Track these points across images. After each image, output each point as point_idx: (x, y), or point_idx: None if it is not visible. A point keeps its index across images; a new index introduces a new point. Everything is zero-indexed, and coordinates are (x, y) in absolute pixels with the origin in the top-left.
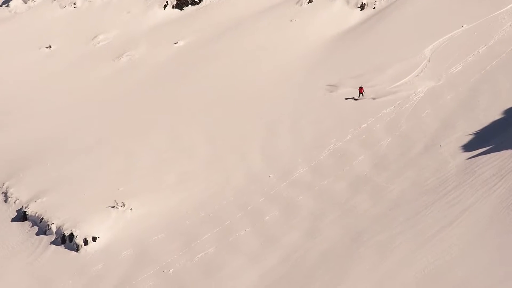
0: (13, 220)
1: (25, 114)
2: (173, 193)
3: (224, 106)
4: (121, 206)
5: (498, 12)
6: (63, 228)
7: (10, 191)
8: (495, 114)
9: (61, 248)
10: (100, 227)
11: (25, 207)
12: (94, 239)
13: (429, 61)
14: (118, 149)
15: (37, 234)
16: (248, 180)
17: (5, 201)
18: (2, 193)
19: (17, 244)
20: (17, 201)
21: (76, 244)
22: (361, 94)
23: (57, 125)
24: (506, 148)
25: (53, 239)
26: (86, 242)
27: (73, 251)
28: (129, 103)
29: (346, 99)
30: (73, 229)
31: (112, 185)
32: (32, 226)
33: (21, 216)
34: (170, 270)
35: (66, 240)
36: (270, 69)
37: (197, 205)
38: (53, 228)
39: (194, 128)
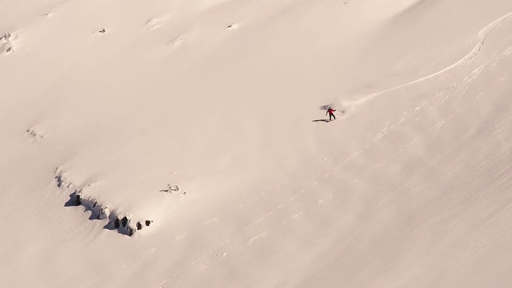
0: (67, 204)
1: (79, 99)
2: (226, 177)
3: (277, 89)
4: (175, 190)
5: None
6: (117, 212)
7: (64, 175)
8: None
9: (114, 232)
10: (154, 211)
11: (79, 192)
12: (147, 223)
13: (482, 43)
14: (172, 133)
15: (91, 218)
16: (301, 163)
17: (59, 185)
18: (56, 177)
19: (70, 228)
20: (70, 186)
21: (129, 228)
22: (332, 116)
23: (111, 109)
24: None
25: (106, 223)
26: (139, 226)
27: (126, 235)
28: (183, 86)
29: (316, 121)
30: (127, 213)
31: (166, 169)
32: (86, 210)
33: (75, 200)
34: (223, 254)
35: (120, 224)
36: (324, 52)
37: (250, 188)
38: (107, 212)
39: (248, 112)
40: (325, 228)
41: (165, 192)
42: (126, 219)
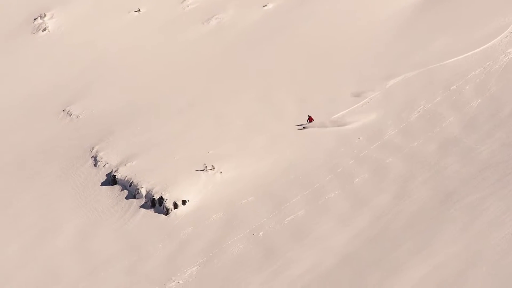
0: (103, 184)
1: (114, 78)
2: (262, 156)
3: (313, 68)
4: (211, 169)
5: None
6: (153, 191)
7: (100, 155)
8: None
9: (150, 212)
10: (190, 191)
11: (115, 171)
12: (183, 202)
13: None
14: (208, 112)
15: (127, 198)
16: (337, 142)
17: (95, 165)
18: (92, 157)
19: (107, 208)
20: (106, 165)
21: (165, 207)
22: (309, 122)
23: (147, 89)
24: None
25: (142, 203)
26: (175, 205)
27: (162, 215)
28: (219, 66)
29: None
30: (163, 193)
31: (202, 148)
32: (122, 190)
33: (111, 180)
34: (260, 233)
35: (156, 204)
36: (359, 32)
37: (286, 167)
38: (143, 191)
39: (284, 90)
40: (361, 207)
41: (201, 171)
42: (163, 199)
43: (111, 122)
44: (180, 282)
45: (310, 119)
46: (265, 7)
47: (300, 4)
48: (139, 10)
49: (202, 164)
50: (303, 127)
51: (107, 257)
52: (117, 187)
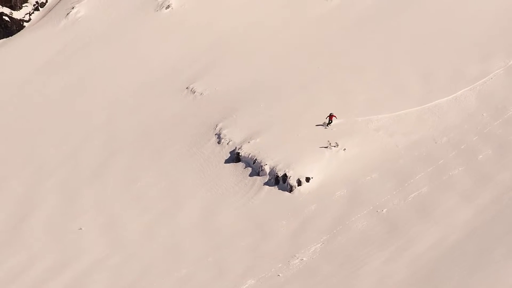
0: (227, 161)
1: (238, 56)
2: (385, 133)
3: (435, 45)
4: (335, 146)
5: None
6: (277, 169)
7: (224, 132)
8: None
9: (274, 189)
10: (313, 168)
11: (239, 149)
12: (307, 179)
13: None
14: (331, 89)
15: (251, 175)
16: (461, 119)
17: (219, 142)
18: (216, 134)
19: (230, 185)
20: (230, 143)
21: (289, 185)
22: (330, 121)
23: (270, 66)
24: None
25: (266, 180)
26: (299, 182)
27: (286, 192)
28: (341, 42)
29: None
30: (287, 170)
31: (325, 124)
32: (246, 167)
33: (235, 157)
34: (384, 210)
35: (280, 181)
36: (479, 13)
37: (410, 144)
38: (267, 169)
39: (407, 67)
40: (485, 184)
41: (325, 148)
42: (286, 176)
43: (235, 99)
44: (304, 259)
45: (331, 117)
46: None
47: None
48: None
49: (325, 141)
50: (327, 125)
51: (231, 234)
52: (240, 165)
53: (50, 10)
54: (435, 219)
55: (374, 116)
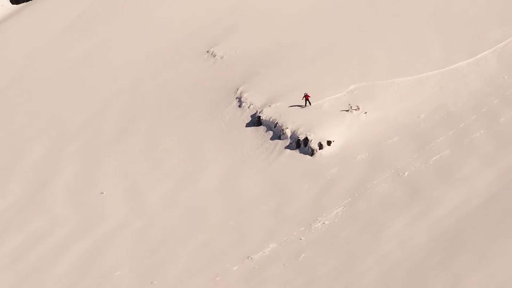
0: (248, 125)
1: (258, 19)
2: (407, 96)
3: (456, 9)
4: (356, 109)
5: None
6: (298, 132)
7: (245, 96)
8: None
9: (295, 152)
10: (335, 131)
11: (260, 112)
12: (328, 143)
13: None
14: (352, 53)
15: (272, 139)
16: (482, 82)
17: (239, 106)
18: (237, 98)
19: (252, 149)
20: (251, 106)
21: (311, 148)
22: (307, 101)
23: (290, 29)
24: None
25: (287, 144)
26: (321, 146)
27: (307, 156)
28: (363, 6)
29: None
30: (308, 133)
31: (346, 89)
32: (267, 131)
33: (256, 121)
34: (405, 173)
35: (301, 145)
36: None
37: (431, 108)
38: (288, 132)
39: (428, 31)
40: (506, 147)
41: (346, 112)
42: (308, 139)
43: (255, 63)
44: (326, 222)
45: (306, 97)
46: None
47: None
48: None
49: (347, 105)
50: (302, 107)
51: (252, 198)
52: (261, 128)
53: None
54: (456, 182)
55: (395, 79)
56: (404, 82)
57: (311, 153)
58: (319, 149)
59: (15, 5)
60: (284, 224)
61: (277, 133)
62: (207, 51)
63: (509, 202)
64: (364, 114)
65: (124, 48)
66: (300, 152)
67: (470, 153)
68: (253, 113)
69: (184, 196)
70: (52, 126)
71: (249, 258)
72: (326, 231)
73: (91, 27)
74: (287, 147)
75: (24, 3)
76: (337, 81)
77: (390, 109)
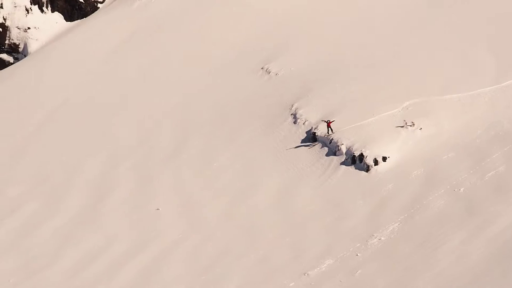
0: (303, 141)
1: (312, 36)
2: (462, 112)
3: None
4: (411, 125)
5: None
6: (353, 148)
7: (299, 112)
8: None
9: (351, 168)
10: (390, 147)
11: (315, 128)
12: (384, 159)
13: None
14: (406, 69)
15: (327, 155)
16: None
17: (294, 122)
18: (291, 114)
19: (307, 165)
20: (306, 123)
21: (366, 164)
22: (329, 129)
23: (345, 45)
24: None
25: (343, 160)
26: (376, 162)
27: (363, 172)
28: (420, 20)
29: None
30: (363, 149)
31: (400, 105)
32: (322, 147)
33: (311, 137)
34: (461, 189)
35: (356, 161)
36: None
37: (485, 124)
38: (343, 148)
39: (481, 46)
40: None
41: (401, 128)
42: (363, 155)
43: (310, 79)
44: (382, 238)
45: (328, 125)
46: None
47: None
48: None
49: (401, 121)
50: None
51: (308, 214)
52: (317, 145)
53: None
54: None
55: (449, 96)
56: (458, 98)
57: (367, 169)
58: (375, 165)
59: (69, 22)
60: (340, 240)
61: (333, 149)
62: (262, 68)
63: None
64: (419, 130)
65: (177, 65)
66: (355, 168)
67: None
68: (308, 129)
69: (239, 212)
70: (106, 144)
71: (306, 275)
72: (382, 247)
73: (143, 44)
74: (342, 163)
75: (79, 20)
76: (391, 97)
77: (445, 125)
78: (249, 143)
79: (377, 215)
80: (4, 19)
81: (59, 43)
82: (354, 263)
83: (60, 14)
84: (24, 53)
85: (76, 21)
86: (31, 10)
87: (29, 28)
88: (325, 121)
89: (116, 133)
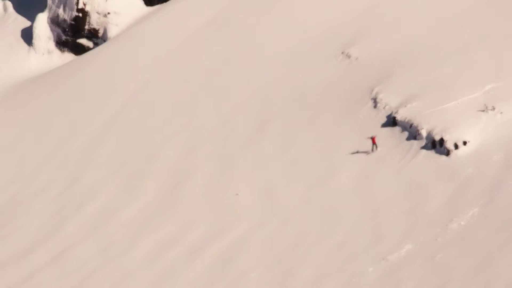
0: (383, 125)
1: (394, 18)
2: None
3: None
4: (492, 109)
5: None
6: (434, 133)
7: (380, 96)
8: None
9: (431, 152)
10: (470, 131)
11: (395, 113)
12: (464, 143)
13: None
14: (487, 52)
15: (407, 139)
16: None
17: (375, 107)
18: (372, 99)
19: (387, 149)
20: (386, 107)
21: (446, 148)
22: (374, 146)
23: (427, 28)
24: None
25: (423, 144)
26: (456, 146)
27: (443, 156)
28: (495, 9)
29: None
30: (443, 134)
31: (482, 89)
32: (402, 131)
33: (391, 121)
34: None
35: (436, 145)
36: None
37: None
38: (423, 133)
39: None
40: None
41: (482, 112)
42: (443, 140)
43: (391, 63)
44: (462, 223)
45: (373, 141)
46: None
47: None
48: None
49: (482, 105)
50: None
51: (387, 199)
52: (397, 129)
53: None
54: None
55: None
56: None
57: (447, 153)
58: (455, 149)
59: (149, 7)
60: (420, 225)
61: (413, 134)
62: (342, 52)
63: None
64: (500, 114)
65: (258, 49)
66: (435, 153)
67: None
68: (389, 113)
69: (318, 197)
70: (185, 128)
71: (385, 260)
72: (462, 232)
73: (225, 28)
74: (422, 148)
75: (159, 5)
76: (472, 81)
77: None
78: (328, 127)
79: (457, 199)
80: (84, 5)
81: (140, 27)
82: (434, 248)
83: None
84: (104, 38)
85: (156, 6)
86: None
87: (109, 13)
88: (369, 138)
89: (194, 118)
